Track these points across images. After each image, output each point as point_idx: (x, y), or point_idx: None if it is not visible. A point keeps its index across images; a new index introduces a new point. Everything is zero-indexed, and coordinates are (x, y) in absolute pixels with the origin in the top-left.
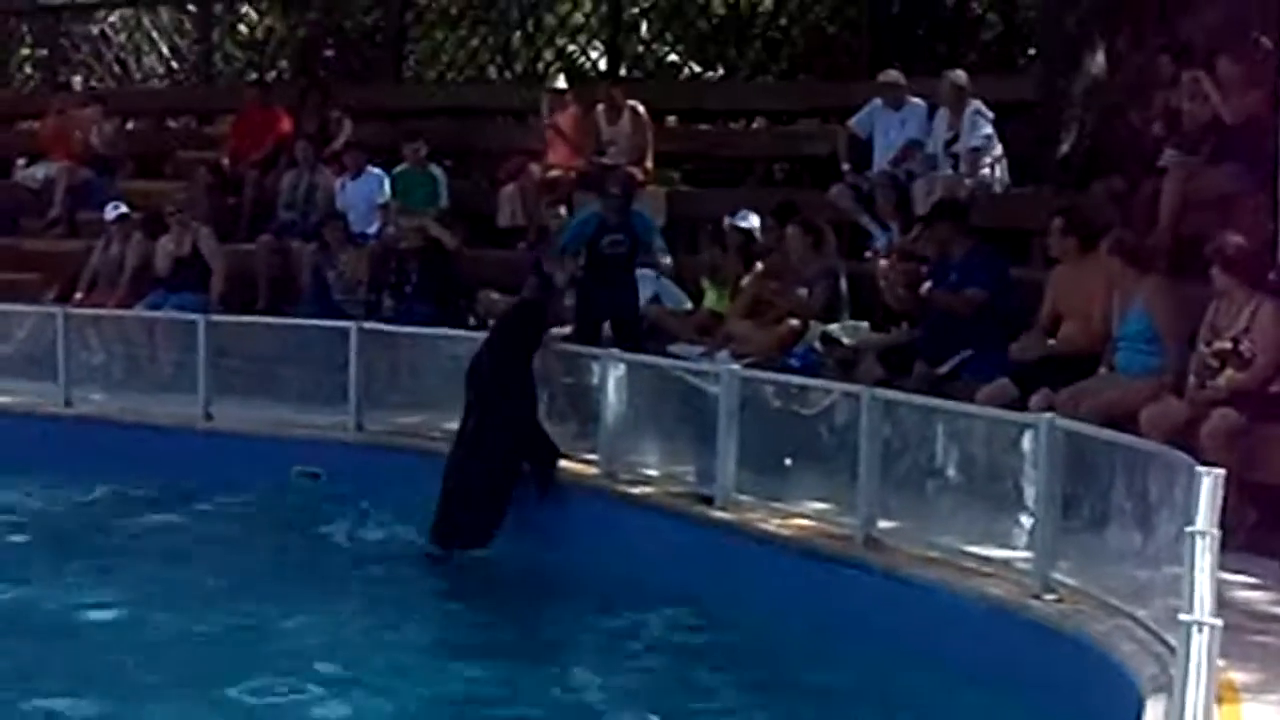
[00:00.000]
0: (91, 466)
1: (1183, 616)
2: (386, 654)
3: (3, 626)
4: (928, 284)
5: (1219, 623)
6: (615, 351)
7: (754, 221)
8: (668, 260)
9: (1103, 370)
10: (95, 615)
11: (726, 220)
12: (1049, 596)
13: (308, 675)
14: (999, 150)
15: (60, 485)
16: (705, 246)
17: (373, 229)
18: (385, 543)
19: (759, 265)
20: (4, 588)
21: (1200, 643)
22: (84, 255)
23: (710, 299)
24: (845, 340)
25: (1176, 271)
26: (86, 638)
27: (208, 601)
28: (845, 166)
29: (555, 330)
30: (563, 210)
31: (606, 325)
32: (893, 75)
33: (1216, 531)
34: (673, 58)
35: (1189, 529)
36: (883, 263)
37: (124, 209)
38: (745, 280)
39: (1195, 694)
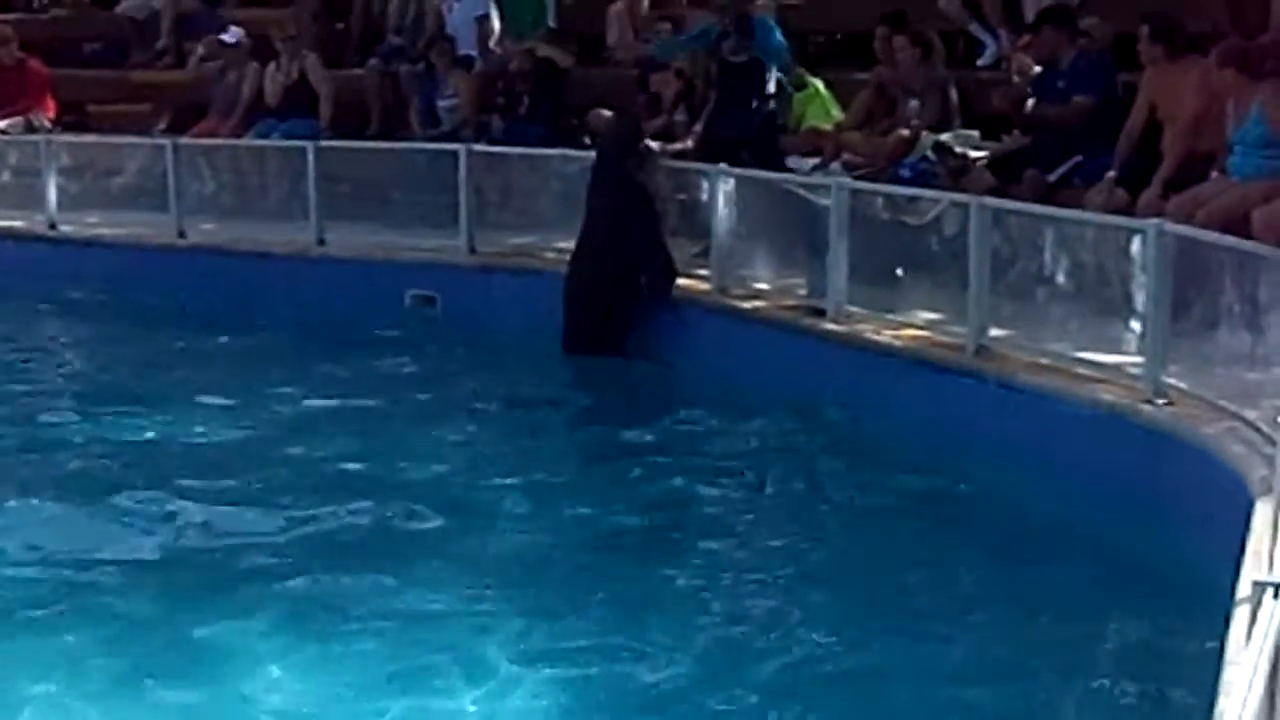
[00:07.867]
0: (207, 296)
1: None
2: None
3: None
4: (1031, 100)
5: None
6: (724, 166)
7: None
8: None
9: (1214, 175)
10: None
11: None
12: (1160, 401)
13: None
14: None
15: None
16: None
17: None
18: (506, 356)
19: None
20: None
21: None
22: (193, 86)
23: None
24: (958, 149)
25: None
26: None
27: (342, 423)
28: None
29: (671, 146)
30: (669, 26)
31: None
32: None
33: None
34: None
35: None
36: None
37: (241, 35)
38: None
39: None
